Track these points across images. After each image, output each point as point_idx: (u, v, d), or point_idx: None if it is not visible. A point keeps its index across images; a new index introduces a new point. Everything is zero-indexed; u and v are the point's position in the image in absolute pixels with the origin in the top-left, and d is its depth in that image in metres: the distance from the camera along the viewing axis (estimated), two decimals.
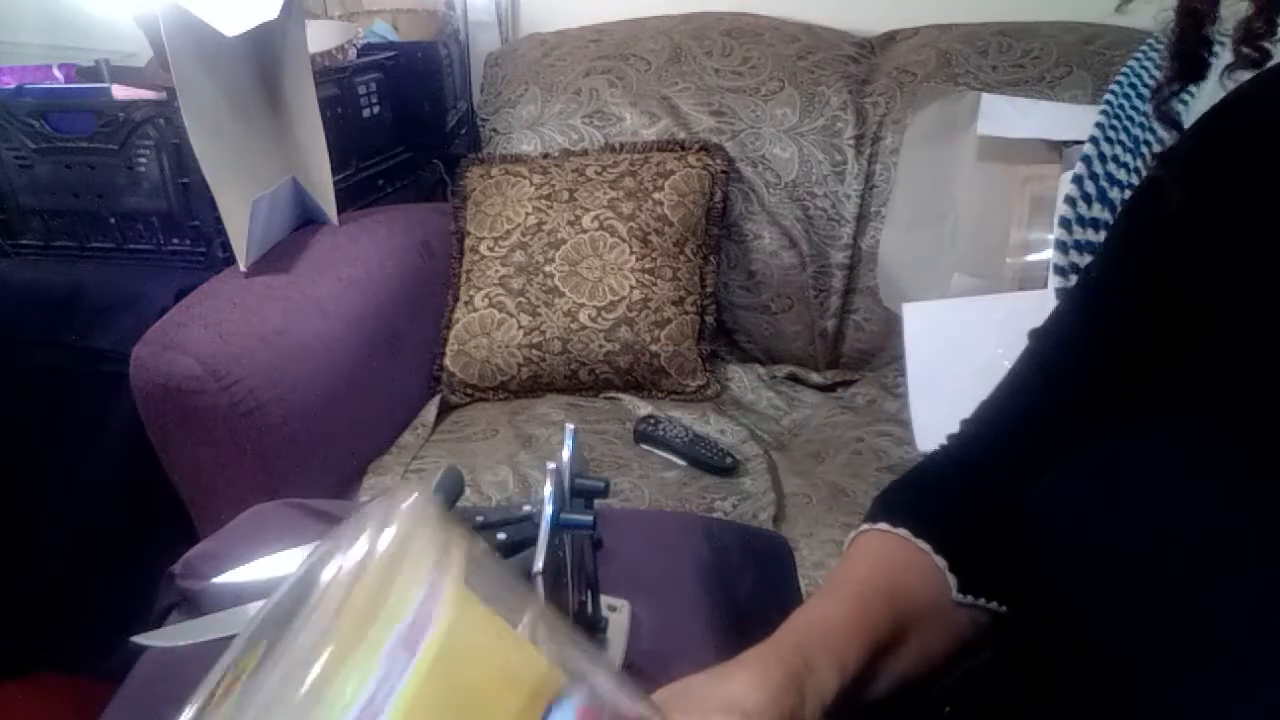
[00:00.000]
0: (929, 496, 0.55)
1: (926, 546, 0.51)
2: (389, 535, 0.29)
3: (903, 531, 0.51)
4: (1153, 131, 1.16)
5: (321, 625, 0.26)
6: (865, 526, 0.54)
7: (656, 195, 1.41)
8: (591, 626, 0.61)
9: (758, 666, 0.41)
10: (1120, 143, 1.19)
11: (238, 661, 0.31)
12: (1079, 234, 1.15)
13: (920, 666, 0.48)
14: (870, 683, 0.46)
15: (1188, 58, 0.45)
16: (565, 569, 0.54)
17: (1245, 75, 0.44)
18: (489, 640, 0.29)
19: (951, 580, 0.50)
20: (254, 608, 0.66)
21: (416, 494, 0.31)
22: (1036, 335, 0.54)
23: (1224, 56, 0.44)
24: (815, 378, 1.48)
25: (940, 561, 0.50)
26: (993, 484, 0.52)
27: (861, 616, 0.46)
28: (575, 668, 0.31)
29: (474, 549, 0.31)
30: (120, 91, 1.21)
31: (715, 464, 1.17)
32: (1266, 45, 0.43)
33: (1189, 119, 0.47)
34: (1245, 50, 0.43)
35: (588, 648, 0.33)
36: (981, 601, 0.51)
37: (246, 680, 0.28)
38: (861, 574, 0.51)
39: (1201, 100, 0.47)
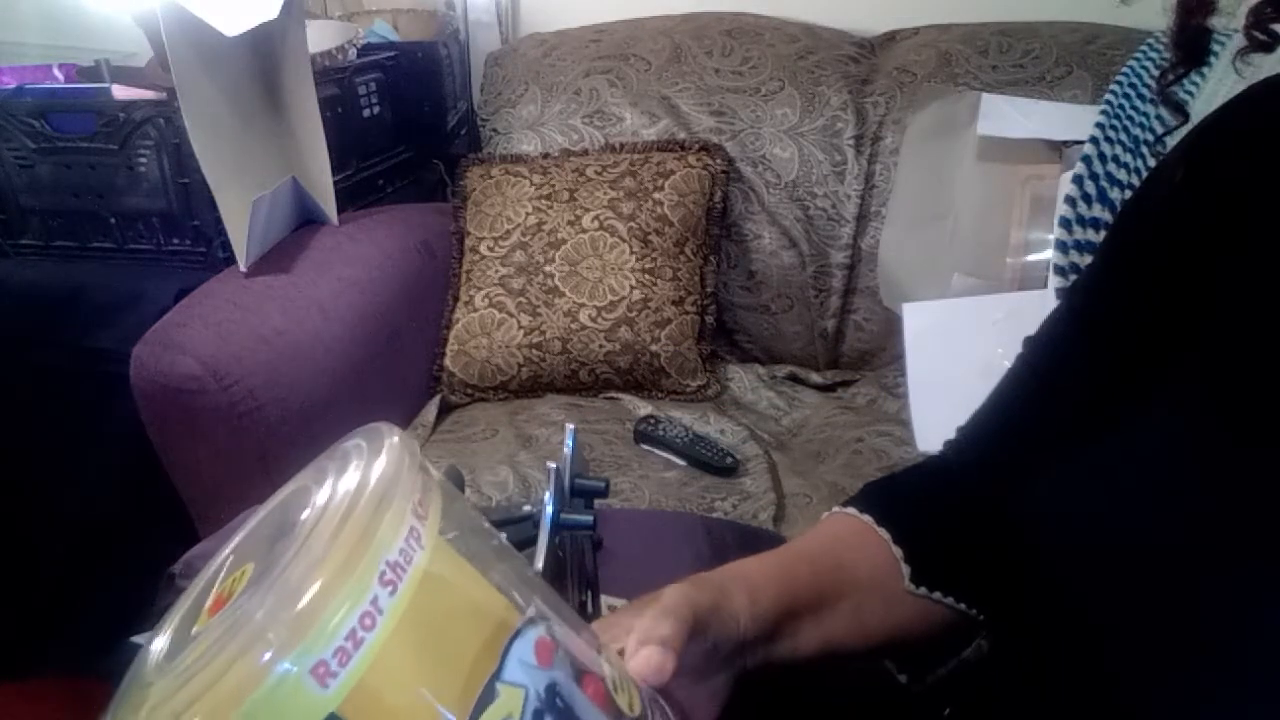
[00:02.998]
0: (905, 491, 0.57)
1: (886, 535, 0.52)
2: (377, 470, 0.30)
3: (866, 518, 0.53)
4: (1153, 131, 1.16)
5: (314, 554, 0.27)
6: (836, 509, 0.56)
7: (656, 195, 1.41)
8: None
9: (676, 585, 0.44)
10: (1120, 143, 1.19)
11: (223, 579, 0.32)
12: (1079, 234, 1.15)
13: (851, 636, 0.50)
14: (792, 636, 0.48)
15: (1189, 44, 0.45)
16: (565, 569, 0.54)
17: (1256, 58, 0.44)
18: (460, 579, 0.31)
19: (905, 569, 0.51)
20: None
21: (399, 435, 0.32)
22: (1030, 340, 0.55)
23: (1235, 39, 0.44)
24: (815, 378, 1.48)
25: (897, 551, 0.52)
26: (985, 486, 0.53)
27: (780, 569, 0.49)
28: (537, 608, 0.33)
29: (449, 491, 0.33)
30: (120, 91, 1.21)
31: (715, 464, 1.17)
32: (1277, 29, 0.43)
33: (1197, 103, 0.47)
34: (1257, 35, 0.43)
35: (547, 592, 0.35)
36: (936, 595, 0.52)
37: (236, 600, 0.29)
38: (799, 543, 0.54)
39: (1210, 84, 0.48)
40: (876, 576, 0.51)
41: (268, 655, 0.25)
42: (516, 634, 0.31)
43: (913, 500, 0.56)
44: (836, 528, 0.54)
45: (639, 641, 0.40)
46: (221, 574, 0.33)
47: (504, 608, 0.31)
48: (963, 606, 0.52)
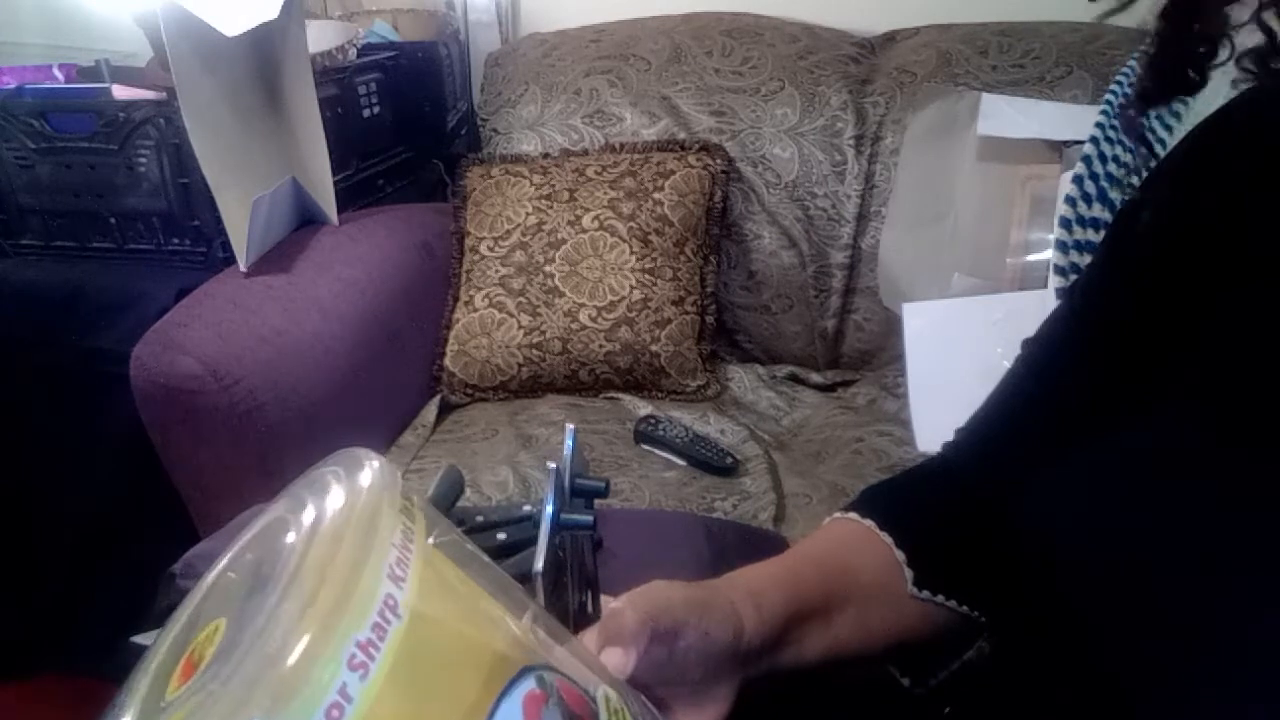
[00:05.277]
0: (907, 494, 0.57)
1: (889, 539, 0.52)
2: (355, 510, 0.29)
3: (869, 523, 0.53)
4: (1153, 131, 1.16)
5: (291, 614, 0.26)
6: (838, 514, 0.55)
7: (656, 195, 1.41)
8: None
9: (657, 582, 0.44)
10: (1120, 143, 1.19)
11: (192, 636, 0.30)
12: (1079, 234, 1.15)
13: (855, 641, 0.50)
14: (798, 643, 0.48)
15: (1165, 71, 0.45)
16: (565, 569, 0.54)
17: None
18: (441, 639, 0.30)
19: (908, 574, 0.51)
20: None
21: (376, 463, 0.31)
22: (1030, 342, 0.55)
23: (1229, 63, 0.44)
24: (815, 378, 1.48)
25: (900, 555, 0.52)
26: (984, 487, 0.53)
27: (785, 575, 0.48)
28: (532, 640, 0.32)
29: (434, 520, 0.32)
30: (120, 91, 1.21)
31: (715, 464, 1.17)
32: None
33: (1197, 104, 0.47)
34: (1255, 71, 0.43)
35: (541, 614, 0.34)
36: (939, 599, 0.52)
37: (209, 667, 0.28)
38: (803, 547, 0.53)
39: (1203, 102, 0.47)
40: (880, 581, 0.51)
41: None
42: (504, 694, 0.29)
43: (914, 504, 0.56)
44: (839, 532, 0.54)
45: (601, 639, 0.40)
46: (188, 626, 0.31)
47: (491, 661, 0.30)
48: (965, 609, 0.52)
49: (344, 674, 0.26)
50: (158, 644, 0.32)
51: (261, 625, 0.26)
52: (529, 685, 0.30)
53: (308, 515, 0.30)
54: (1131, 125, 0.48)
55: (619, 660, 0.39)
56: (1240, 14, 0.41)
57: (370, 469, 0.32)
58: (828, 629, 0.49)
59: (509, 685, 0.30)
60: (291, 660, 0.25)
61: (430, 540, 0.31)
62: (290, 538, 0.30)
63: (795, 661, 0.48)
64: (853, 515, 0.54)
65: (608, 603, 0.65)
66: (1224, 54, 0.43)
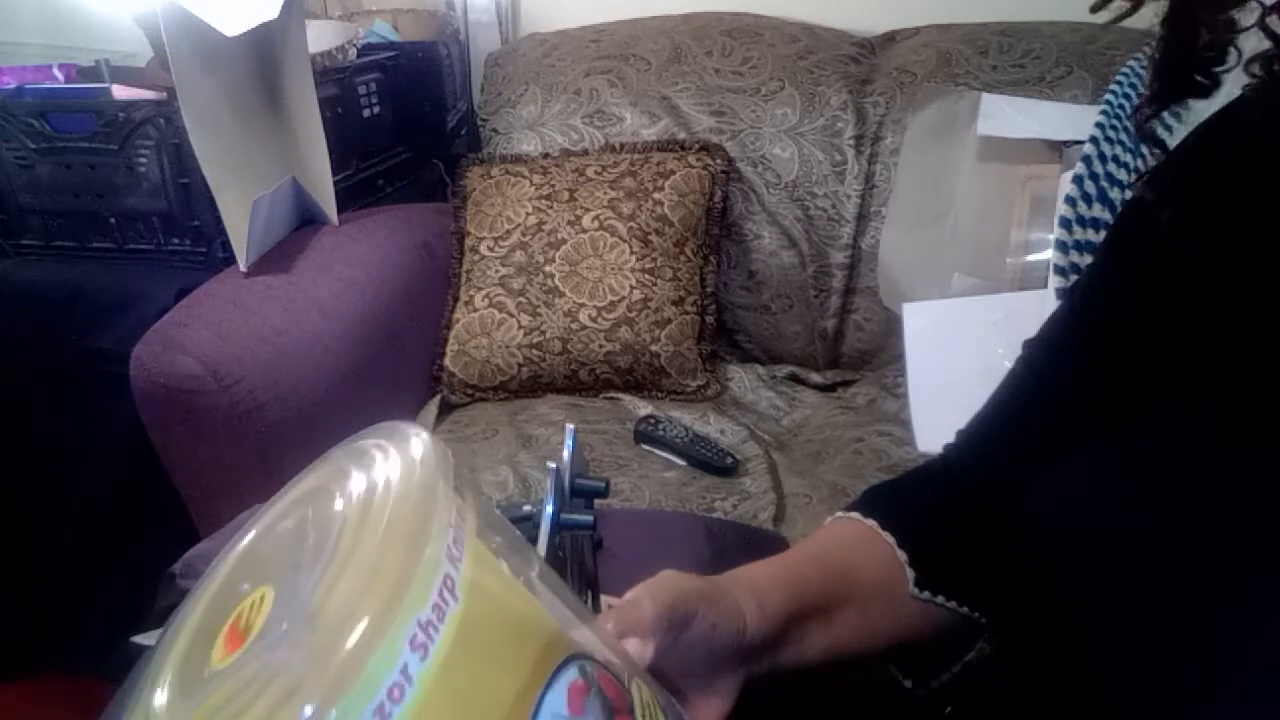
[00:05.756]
0: (908, 494, 0.57)
1: (891, 539, 0.52)
2: (412, 485, 0.28)
3: (871, 522, 0.53)
4: (1157, 143, 1.16)
5: (353, 590, 0.25)
6: (839, 514, 0.55)
7: (656, 195, 1.41)
8: None
9: (667, 572, 0.44)
10: (1120, 143, 1.19)
11: (232, 604, 0.29)
12: (1079, 234, 1.15)
13: (857, 641, 0.50)
14: (799, 641, 0.48)
15: (1173, 75, 0.45)
16: (565, 569, 0.54)
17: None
18: (496, 621, 0.29)
19: (910, 574, 0.51)
20: None
21: (429, 446, 0.30)
22: (1030, 343, 0.55)
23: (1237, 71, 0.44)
24: (815, 378, 1.48)
25: (902, 555, 0.52)
26: (985, 488, 0.53)
27: (787, 573, 0.48)
28: (571, 629, 0.31)
29: (483, 507, 0.31)
30: (120, 91, 1.21)
31: (715, 464, 1.17)
32: None
33: (1197, 104, 0.47)
34: (1263, 76, 0.42)
35: (576, 604, 0.33)
36: (940, 599, 0.51)
37: (263, 637, 0.27)
38: (805, 546, 0.54)
39: (1215, 103, 0.47)
40: (882, 580, 0.51)
41: (309, 710, 0.24)
42: (550, 682, 0.29)
43: (916, 504, 0.56)
44: (841, 532, 0.54)
45: (618, 629, 0.40)
46: (228, 588, 0.30)
47: (539, 646, 0.30)
48: (966, 610, 0.52)
49: (405, 654, 0.25)
50: (191, 603, 0.31)
51: (320, 600, 0.26)
52: (572, 675, 0.30)
53: (356, 486, 0.29)
54: (1144, 130, 0.47)
55: (638, 650, 0.40)
56: (1245, 18, 0.41)
57: (421, 443, 0.31)
58: (829, 628, 0.49)
59: (554, 673, 0.30)
60: (355, 639, 0.24)
61: (480, 521, 0.31)
62: (339, 507, 0.29)
63: (797, 660, 0.48)
64: (855, 515, 0.54)
65: (608, 602, 0.65)
66: (1231, 59, 0.43)
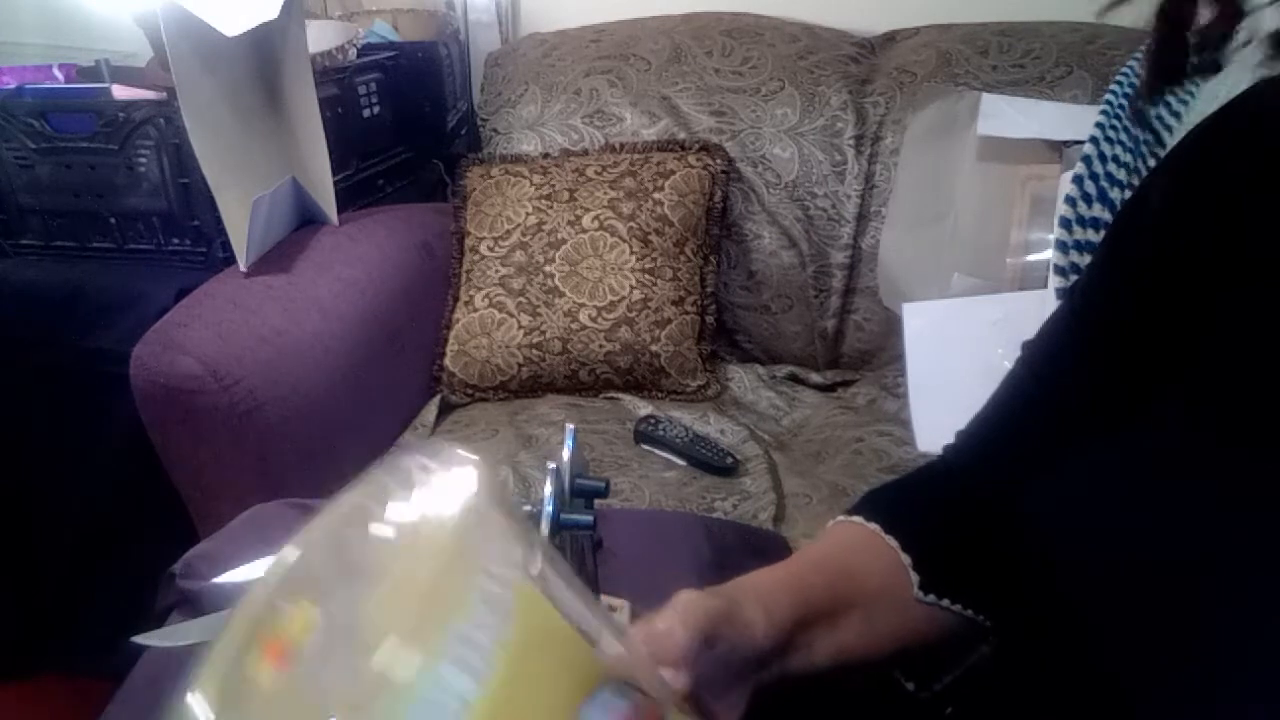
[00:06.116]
0: (910, 497, 0.57)
1: (894, 543, 0.52)
2: (464, 509, 0.28)
3: (874, 526, 0.53)
4: (1160, 119, 1.16)
5: (407, 615, 0.26)
6: (841, 518, 0.55)
7: (656, 195, 1.41)
8: None
9: (688, 593, 0.44)
10: (1120, 143, 1.19)
11: (275, 619, 0.29)
12: (1079, 234, 1.15)
13: (862, 645, 0.50)
14: (807, 647, 0.48)
15: (1165, 62, 0.45)
16: None
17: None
18: (554, 630, 0.29)
19: (914, 578, 0.51)
20: None
21: (476, 460, 0.30)
22: (1029, 344, 0.55)
23: (1245, 51, 0.44)
24: (815, 378, 1.48)
25: (905, 559, 0.52)
26: (985, 489, 0.53)
27: (792, 580, 0.48)
28: (612, 653, 0.32)
29: (532, 535, 0.31)
30: (120, 91, 1.21)
31: (715, 464, 1.17)
32: None
33: (1197, 104, 0.47)
34: (1206, 58, 0.42)
35: (615, 629, 0.33)
36: (945, 603, 0.52)
37: (313, 658, 0.27)
38: (809, 552, 0.53)
39: (1209, 87, 0.47)
40: (886, 584, 0.51)
41: None
42: (591, 703, 0.29)
43: (918, 507, 0.56)
44: (844, 536, 0.54)
45: (655, 656, 0.40)
46: (270, 604, 0.30)
47: (584, 671, 0.30)
48: (970, 613, 0.52)
49: (455, 677, 0.26)
50: (233, 619, 0.31)
51: (369, 623, 0.26)
52: (614, 700, 0.30)
53: (405, 509, 0.30)
54: (1140, 116, 0.47)
55: (673, 679, 0.40)
56: None
57: (472, 466, 0.31)
58: (835, 634, 0.49)
59: (594, 695, 0.30)
60: (403, 662, 0.25)
61: (530, 546, 0.31)
62: (389, 532, 0.29)
63: (804, 666, 0.48)
64: (857, 519, 0.54)
65: (608, 602, 0.65)
66: (1240, 38, 0.43)
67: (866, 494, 0.57)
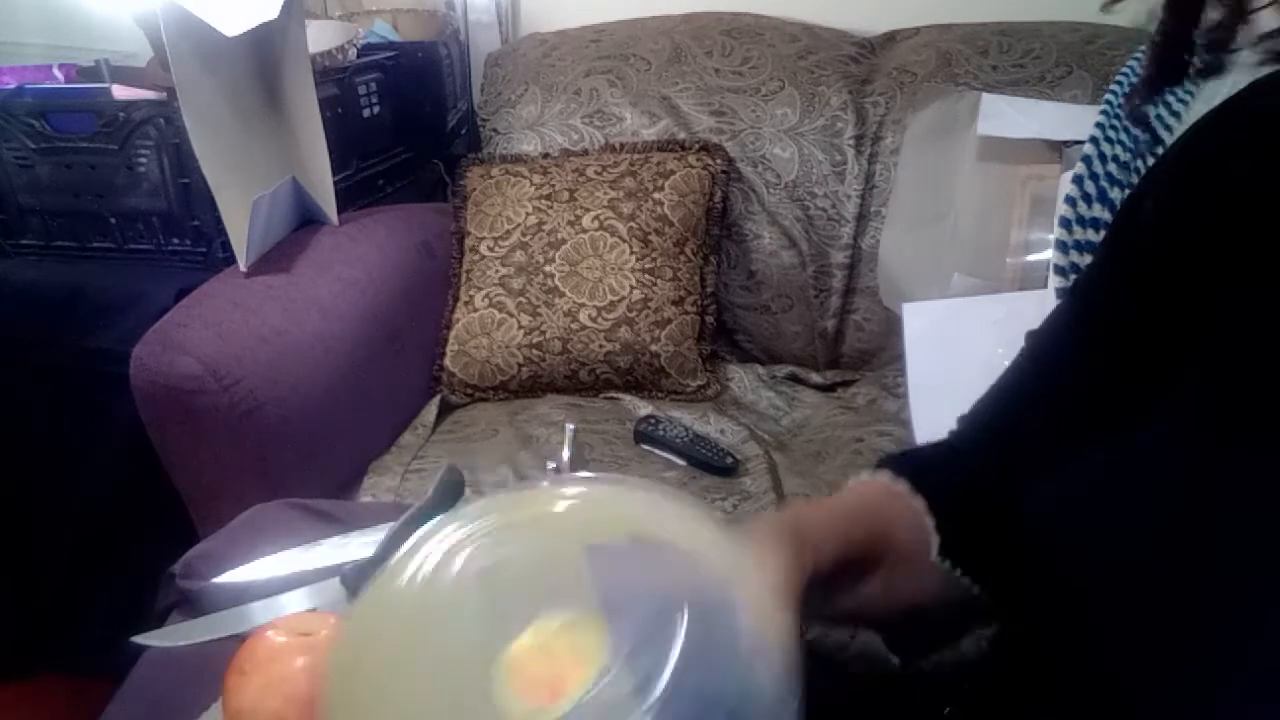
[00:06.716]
0: (930, 463, 0.56)
1: (921, 504, 0.52)
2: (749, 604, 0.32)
3: (903, 485, 0.52)
4: (1160, 119, 1.16)
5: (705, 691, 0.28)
6: (867, 475, 0.55)
7: (656, 195, 1.41)
8: None
9: (776, 547, 0.43)
10: (1120, 143, 1.19)
11: (502, 632, 0.30)
12: (1079, 234, 1.15)
13: (881, 601, 0.50)
14: (830, 595, 0.48)
15: (1170, 58, 0.45)
16: None
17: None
18: None
19: (934, 540, 0.51)
20: (255, 608, 0.66)
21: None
22: (1033, 335, 0.55)
23: (1242, 53, 0.43)
24: (815, 378, 1.48)
25: (929, 520, 0.51)
26: (987, 476, 0.53)
27: (840, 530, 0.48)
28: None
29: None
30: (120, 91, 1.21)
31: (715, 464, 1.17)
32: None
33: (1196, 104, 0.47)
34: (1210, 59, 0.42)
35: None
36: (957, 572, 0.51)
37: (612, 689, 0.29)
38: (851, 502, 0.53)
39: (1210, 87, 0.47)
40: (910, 544, 0.51)
41: None
42: None
43: (939, 473, 0.55)
44: (878, 491, 0.53)
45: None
46: (480, 612, 0.31)
47: None
48: (975, 589, 0.52)
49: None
50: (417, 610, 0.32)
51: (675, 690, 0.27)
52: None
53: (677, 566, 0.32)
54: (1136, 114, 0.47)
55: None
56: None
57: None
58: (859, 585, 0.49)
59: None
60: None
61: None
62: (669, 592, 0.31)
63: (818, 611, 0.48)
64: (884, 476, 0.53)
65: None
66: (1241, 38, 0.43)
67: (886, 457, 0.57)
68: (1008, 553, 0.48)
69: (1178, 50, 0.44)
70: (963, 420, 0.57)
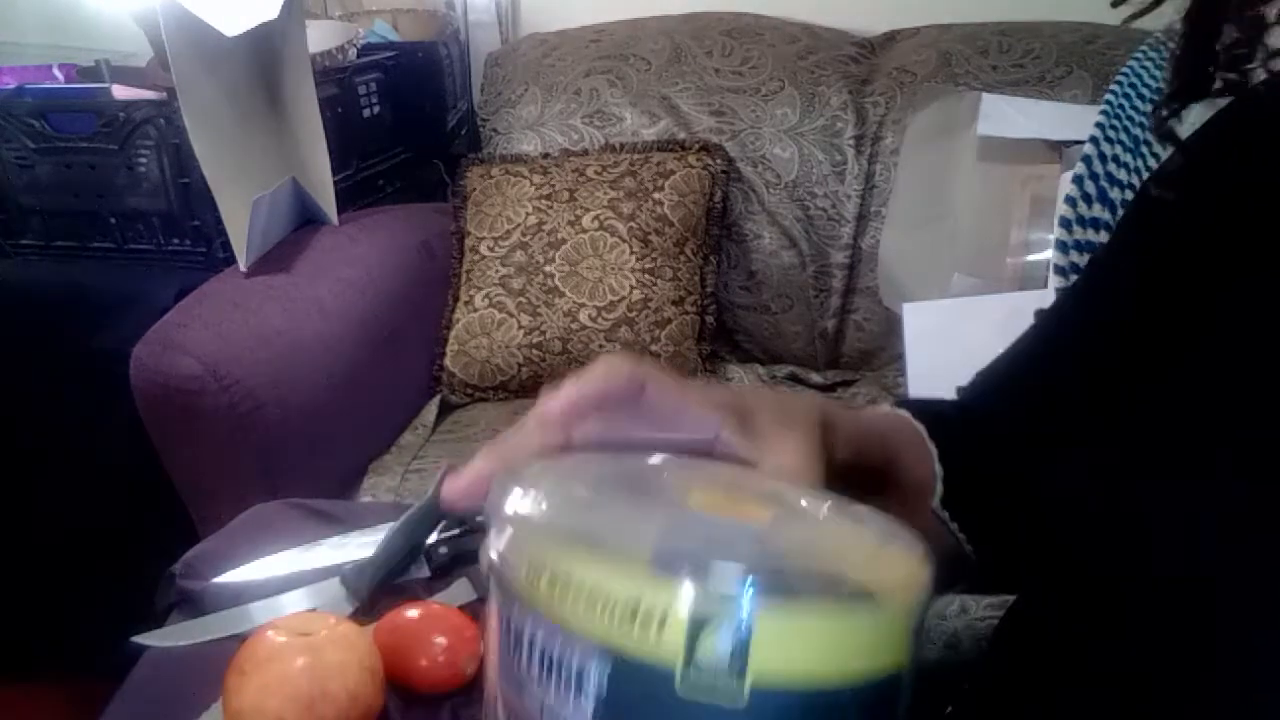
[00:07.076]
0: (944, 416, 0.55)
1: (934, 449, 0.50)
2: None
3: (920, 426, 0.51)
4: (1153, 132, 1.16)
5: None
6: (888, 409, 0.53)
7: (656, 195, 1.41)
8: None
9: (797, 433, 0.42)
10: (1120, 143, 1.19)
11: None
12: (1079, 234, 1.15)
13: None
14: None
15: (1193, 73, 0.44)
16: None
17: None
18: None
19: (938, 488, 0.50)
20: (255, 608, 0.66)
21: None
22: (1041, 312, 0.55)
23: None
24: (815, 378, 1.48)
25: (938, 468, 0.50)
26: (995, 444, 0.52)
27: (856, 439, 0.46)
28: None
29: None
30: (120, 91, 1.21)
31: None
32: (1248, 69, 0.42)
33: (1182, 129, 0.47)
34: (1230, 76, 0.42)
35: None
36: (954, 526, 0.51)
37: None
38: (874, 421, 0.51)
39: (1193, 114, 0.47)
40: (915, 485, 0.50)
41: None
42: None
43: (950, 425, 0.54)
44: (897, 423, 0.52)
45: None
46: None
47: None
48: (968, 547, 0.51)
49: None
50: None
51: None
52: None
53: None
54: (1163, 130, 0.46)
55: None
56: (1271, 13, 0.40)
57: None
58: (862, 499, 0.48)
59: None
60: None
61: None
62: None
63: None
64: (903, 413, 0.52)
65: None
66: (1258, 55, 0.43)
67: (900, 400, 0.56)
68: (1008, 521, 0.48)
69: (1199, 66, 0.44)
70: (964, 390, 0.57)
